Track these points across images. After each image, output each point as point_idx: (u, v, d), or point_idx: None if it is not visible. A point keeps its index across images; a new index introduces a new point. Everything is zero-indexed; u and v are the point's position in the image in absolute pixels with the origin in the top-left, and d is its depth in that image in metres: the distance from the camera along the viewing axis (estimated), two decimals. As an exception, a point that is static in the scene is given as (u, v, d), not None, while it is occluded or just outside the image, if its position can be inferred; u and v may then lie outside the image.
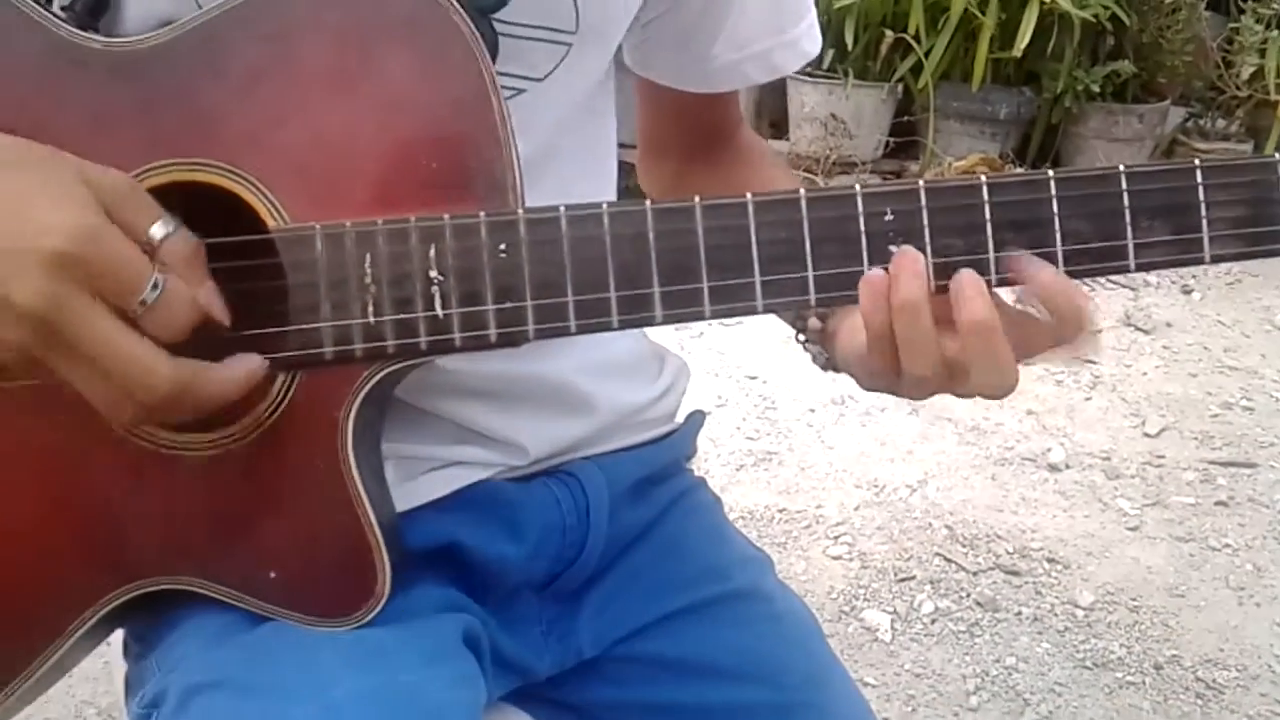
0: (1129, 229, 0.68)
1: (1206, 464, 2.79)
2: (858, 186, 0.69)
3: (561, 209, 0.68)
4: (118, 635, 0.88)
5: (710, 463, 2.71)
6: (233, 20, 0.70)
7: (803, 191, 0.69)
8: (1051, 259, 0.69)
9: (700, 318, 0.69)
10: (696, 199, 0.68)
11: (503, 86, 0.71)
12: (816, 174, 4.30)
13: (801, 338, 0.80)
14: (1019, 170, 4.30)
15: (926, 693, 2.06)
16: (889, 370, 0.71)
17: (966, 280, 0.68)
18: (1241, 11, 4.46)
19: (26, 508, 0.73)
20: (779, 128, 4.51)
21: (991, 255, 0.69)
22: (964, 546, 2.46)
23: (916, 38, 4.21)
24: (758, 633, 0.95)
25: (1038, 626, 2.22)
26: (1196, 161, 0.69)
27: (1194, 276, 3.80)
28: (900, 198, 0.69)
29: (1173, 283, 3.78)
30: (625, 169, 0.96)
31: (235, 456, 0.72)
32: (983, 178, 0.69)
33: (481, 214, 0.68)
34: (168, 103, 0.70)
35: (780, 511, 2.58)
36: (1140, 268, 0.69)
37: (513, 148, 0.70)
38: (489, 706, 0.90)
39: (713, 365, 3.13)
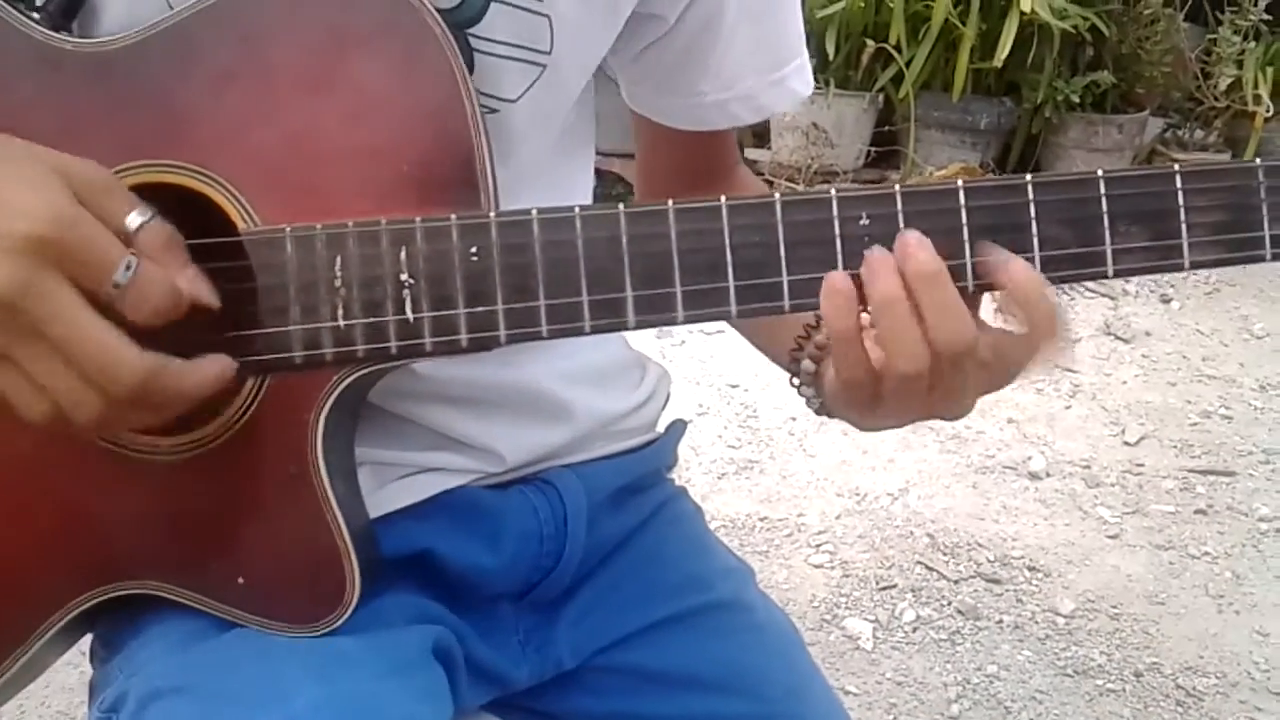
0: (1107, 234, 0.68)
1: (1186, 472, 2.79)
2: (833, 190, 0.68)
3: (534, 212, 0.68)
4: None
5: (692, 471, 2.71)
6: (204, 21, 0.70)
7: (778, 195, 0.68)
8: (1030, 265, 0.68)
9: (674, 322, 0.69)
10: (670, 202, 0.68)
11: None
12: (798, 183, 4.31)
13: (796, 382, 0.79)
14: (999, 179, 4.30)
15: (908, 701, 2.05)
16: (863, 381, 0.70)
17: (906, 234, 0.67)
18: (1219, 23, 4.49)
19: None
20: (761, 137, 4.52)
21: (969, 260, 0.68)
22: (945, 555, 2.46)
23: (898, 48, 4.22)
24: (739, 644, 0.95)
25: (1019, 634, 2.22)
26: (1176, 166, 0.68)
27: (1172, 285, 3.82)
28: (876, 202, 0.68)
29: (1152, 291, 3.79)
30: (605, 178, 0.95)
31: (204, 460, 0.71)
32: (959, 182, 0.68)
33: (453, 217, 0.68)
34: (138, 104, 0.70)
35: (762, 520, 2.57)
36: (1119, 273, 0.68)
37: (485, 150, 0.69)
38: (468, 716, 0.89)
39: (694, 374, 3.12)
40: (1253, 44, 4.44)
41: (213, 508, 0.73)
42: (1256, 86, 4.37)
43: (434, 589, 0.86)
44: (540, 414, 0.89)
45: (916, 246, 0.66)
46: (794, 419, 2.93)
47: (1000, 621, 2.26)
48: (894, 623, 2.25)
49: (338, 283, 0.68)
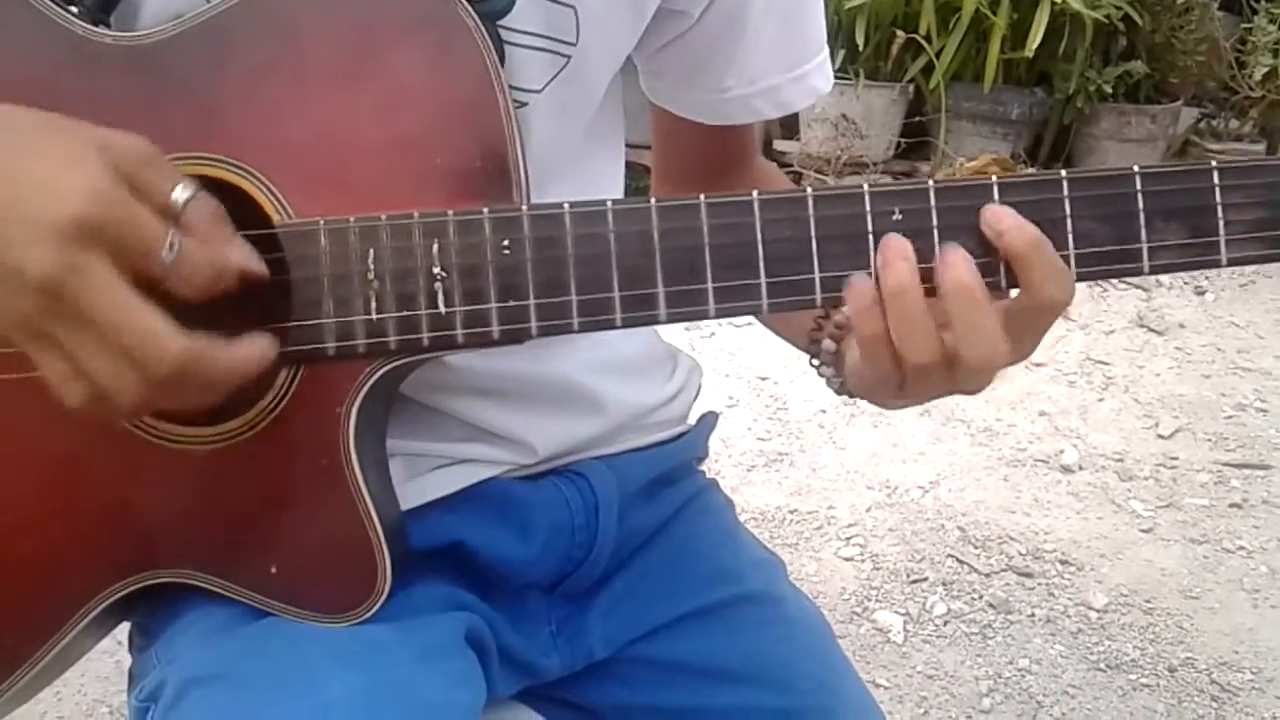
0: (1143, 230, 0.67)
1: (1220, 465, 2.77)
2: (865, 185, 0.67)
3: (566, 206, 0.68)
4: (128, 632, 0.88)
5: (721, 463, 2.71)
6: (239, 15, 0.70)
7: (809, 190, 0.68)
8: (1064, 261, 0.67)
9: (705, 316, 0.68)
10: (701, 196, 0.68)
11: None
12: (827, 174, 4.29)
13: (815, 362, 0.79)
14: (1030, 171, 4.28)
15: (939, 695, 2.05)
16: (888, 375, 0.69)
17: (950, 249, 0.66)
18: (1255, 11, 4.44)
19: (33, 500, 0.73)
20: (790, 129, 4.50)
21: (1002, 260, 0.67)
22: (976, 548, 2.45)
23: (928, 38, 4.20)
24: (769, 636, 0.95)
25: (1051, 628, 2.21)
26: (1213, 163, 0.67)
27: (1207, 277, 3.78)
28: (909, 197, 0.67)
29: (1186, 284, 3.76)
30: (635, 170, 0.95)
31: (238, 451, 0.71)
32: (994, 178, 0.68)
33: (485, 210, 0.68)
34: (174, 97, 0.70)
35: (792, 513, 2.57)
36: (1155, 270, 0.68)
37: (518, 143, 0.70)
38: (499, 704, 0.90)
39: (724, 366, 3.12)
40: (1289, 32, 4.40)
41: (246, 498, 0.73)
42: (1292, 75, 4.33)
43: (466, 579, 0.86)
44: (572, 406, 0.89)
45: (959, 261, 0.66)
46: (824, 411, 2.92)
47: (1032, 615, 2.25)
48: (925, 616, 2.24)
49: (370, 275, 0.68)
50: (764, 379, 3.08)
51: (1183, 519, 2.57)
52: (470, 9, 0.70)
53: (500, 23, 0.77)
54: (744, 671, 0.92)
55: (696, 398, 1.02)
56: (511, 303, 0.68)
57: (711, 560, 0.97)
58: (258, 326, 0.68)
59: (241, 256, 0.65)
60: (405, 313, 0.68)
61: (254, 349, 0.65)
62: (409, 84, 0.70)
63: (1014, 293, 0.69)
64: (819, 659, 0.96)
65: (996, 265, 0.67)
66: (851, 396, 0.79)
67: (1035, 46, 4.09)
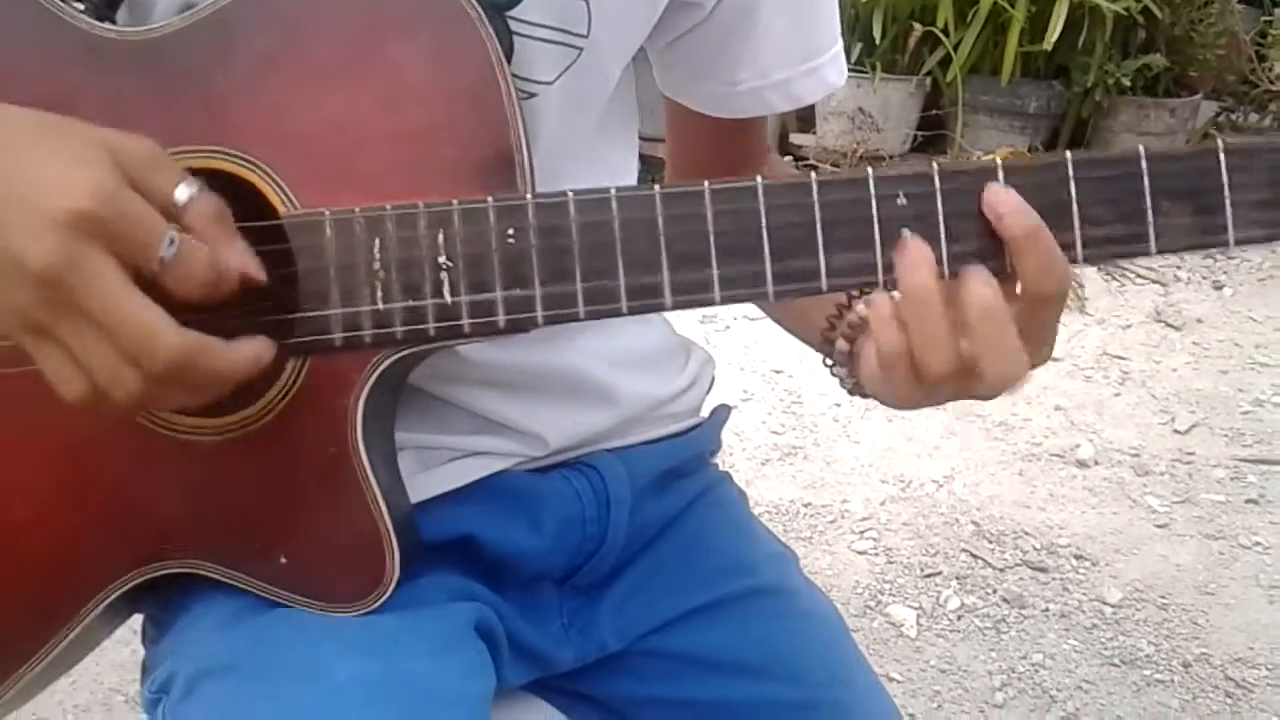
0: (1149, 211, 0.67)
1: (1237, 461, 2.76)
2: (870, 170, 0.67)
3: (570, 194, 0.67)
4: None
5: (735, 457, 2.70)
6: (245, 8, 0.70)
7: (814, 176, 0.67)
8: (1070, 243, 0.67)
9: (711, 303, 0.68)
10: (705, 183, 0.67)
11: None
12: (844, 167, 4.28)
13: (829, 362, 0.79)
14: (1046, 162, 4.26)
15: (952, 689, 2.04)
16: (906, 385, 0.69)
17: (974, 269, 0.66)
18: (1275, 5, 4.42)
19: (43, 491, 0.74)
20: (806, 122, 4.50)
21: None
22: (991, 543, 2.44)
23: (945, 31, 4.19)
24: (782, 629, 0.94)
25: (1065, 623, 2.21)
26: (1219, 142, 0.67)
27: (1225, 272, 3.76)
28: (914, 181, 0.67)
29: (1203, 279, 3.74)
30: (650, 163, 0.95)
31: (247, 442, 0.72)
32: (998, 161, 0.67)
33: (490, 199, 0.68)
34: (181, 90, 0.71)
35: (805, 506, 2.57)
36: (1161, 250, 0.67)
37: (522, 133, 0.70)
38: (511, 695, 0.90)
39: (738, 359, 3.12)
40: (1309, 26, 4.37)
41: (254, 488, 0.74)
42: (1313, 69, 4.30)
43: (476, 570, 0.86)
44: (583, 398, 0.89)
45: (980, 283, 0.66)
46: (838, 405, 2.92)
47: (1046, 610, 2.24)
48: (938, 610, 2.24)
49: (376, 265, 0.68)
50: (778, 372, 3.08)
51: (1198, 514, 2.56)
52: (474, 1, 0.69)
53: (510, 14, 0.77)
54: (757, 664, 0.92)
55: (710, 390, 1.01)
56: (517, 291, 0.68)
57: (724, 553, 0.97)
58: (264, 318, 0.69)
59: (241, 259, 0.65)
60: (411, 303, 0.68)
61: (251, 350, 0.65)
62: (413, 75, 0.70)
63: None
64: (832, 652, 0.95)
65: (999, 249, 0.67)
66: (865, 396, 0.79)
67: (1054, 39, 4.07)
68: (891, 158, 4.39)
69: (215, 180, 0.69)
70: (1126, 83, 4.24)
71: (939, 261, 0.66)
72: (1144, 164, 0.67)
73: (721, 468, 1.03)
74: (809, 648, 0.94)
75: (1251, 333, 3.43)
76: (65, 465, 0.74)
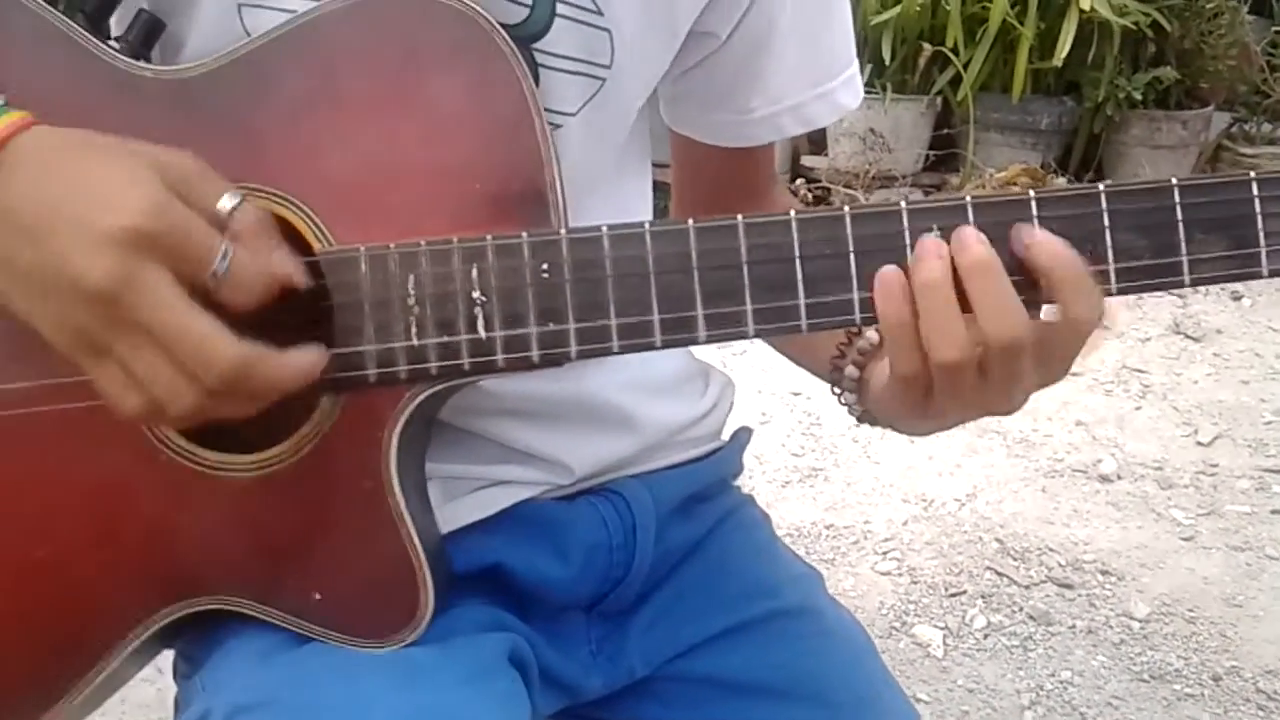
0: (1183, 243, 0.67)
1: (1261, 472, 2.74)
2: (903, 203, 0.67)
3: (604, 229, 0.68)
4: (171, 661, 0.89)
5: (756, 479, 2.70)
6: (277, 48, 0.71)
7: (847, 209, 0.68)
8: (1104, 275, 0.67)
9: (743, 337, 0.69)
10: (739, 217, 0.68)
11: None
12: (856, 189, 4.29)
13: (837, 390, 0.79)
14: (1061, 181, 4.27)
15: (981, 708, 2.03)
16: (915, 382, 0.69)
17: (961, 230, 0.66)
18: (1285, 14, 4.41)
19: (76, 529, 0.74)
20: (818, 143, 4.51)
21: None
22: (1015, 560, 2.43)
23: (955, 50, 4.20)
24: (808, 650, 0.94)
25: (1092, 639, 2.19)
26: (1252, 173, 0.67)
27: (1243, 283, 3.74)
28: (947, 213, 0.67)
29: (1222, 290, 3.73)
30: (659, 189, 0.96)
31: (280, 477, 0.72)
32: (1031, 193, 0.67)
33: (524, 234, 0.68)
34: (215, 129, 0.72)
35: (828, 528, 2.56)
36: (1196, 283, 0.67)
37: (555, 167, 0.70)
38: (539, 724, 0.90)
39: (757, 382, 3.12)
40: (1320, 35, 4.36)
41: (288, 524, 0.74)
42: (1325, 78, 4.29)
43: (505, 600, 0.86)
44: (606, 425, 0.89)
45: (972, 239, 0.66)
46: (858, 426, 2.91)
47: (1073, 627, 2.23)
48: (964, 630, 2.23)
49: (411, 301, 0.69)
50: (797, 394, 3.08)
51: (1224, 526, 2.54)
52: (506, 35, 0.70)
53: (535, 46, 0.78)
54: (783, 687, 0.92)
55: (730, 413, 1.02)
56: (551, 326, 0.68)
57: (749, 575, 0.97)
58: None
59: (288, 264, 0.67)
60: (446, 338, 0.69)
61: (307, 357, 0.66)
62: (447, 111, 0.71)
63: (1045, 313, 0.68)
64: (859, 672, 0.95)
65: (1034, 280, 0.67)
66: (874, 424, 0.79)
67: (1063, 55, 4.08)
68: (904, 178, 4.39)
69: None
70: (1138, 96, 4.24)
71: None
72: (1177, 194, 0.66)
73: (742, 489, 1.04)
74: (834, 668, 0.94)
75: (1272, 342, 3.41)
76: (96, 503, 0.74)
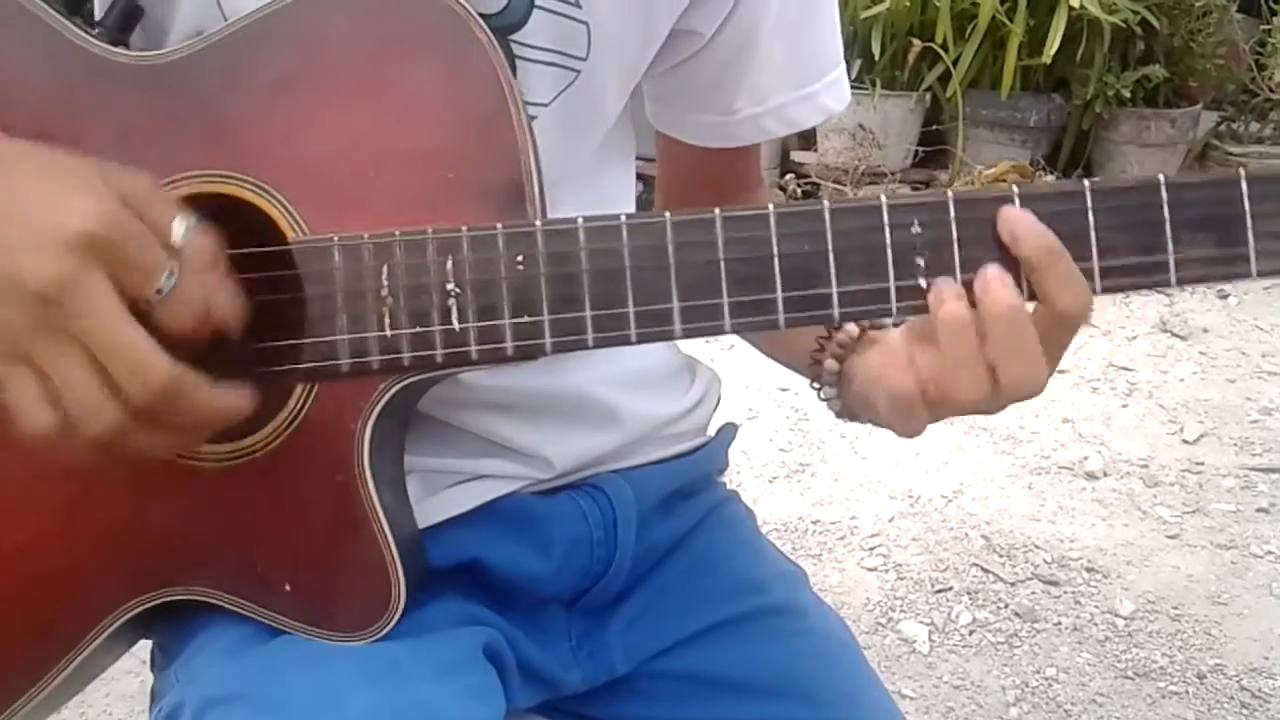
0: (1170, 242, 0.65)
1: (1246, 470, 2.75)
2: (884, 198, 0.66)
3: (580, 220, 0.67)
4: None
5: (743, 475, 2.70)
6: (254, 32, 0.71)
7: (826, 203, 0.67)
8: (1089, 273, 0.66)
9: (720, 332, 0.68)
10: (716, 211, 0.67)
11: None
12: (845, 184, 4.29)
13: (816, 385, 0.78)
14: (1050, 178, 4.27)
15: (966, 705, 2.03)
16: (923, 411, 0.69)
17: (989, 269, 0.66)
18: (1274, 14, 4.42)
19: (45, 518, 0.74)
20: (807, 139, 4.50)
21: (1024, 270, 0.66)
22: (1001, 557, 2.43)
23: (944, 46, 4.20)
24: (793, 648, 0.94)
25: (1078, 637, 2.19)
26: (1242, 172, 0.65)
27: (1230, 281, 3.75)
28: (928, 209, 0.66)
29: (1208, 288, 3.73)
30: (645, 181, 0.95)
31: (252, 468, 0.71)
32: (1015, 189, 0.66)
33: (499, 225, 0.68)
34: (191, 115, 0.71)
35: (814, 523, 2.56)
36: (1182, 282, 0.66)
37: (532, 159, 0.70)
38: (520, 718, 0.89)
39: (744, 378, 3.11)
40: (1308, 34, 4.37)
41: (260, 514, 0.73)
42: (1313, 77, 4.30)
43: (484, 595, 0.86)
44: (589, 419, 0.89)
45: (997, 282, 0.65)
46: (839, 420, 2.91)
47: (1059, 624, 2.23)
48: (950, 626, 2.23)
49: (384, 291, 0.68)
50: (784, 390, 3.08)
51: (1209, 524, 2.55)
52: (484, 25, 0.70)
53: (512, 37, 0.77)
54: (767, 684, 0.92)
55: (716, 409, 1.01)
56: (525, 318, 0.68)
57: (733, 572, 0.96)
58: (271, 343, 0.69)
59: (229, 305, 0.65)
60: (419, 329, 0.68)
61: (233, 396, 0.64)
62: (423, 100, 0.70)
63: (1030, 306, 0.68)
64: (843, 670, 0.95)
65: (1016, 277, 0.66)
66: (852, 419, 0.78)
67: (1053, 52, 4.08)
68: (893, 173, 4.39)
69: (225, 205, 0.69)
70: (1126, 94, 4.25)
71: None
72: (1164, 193, 0.65)
73: (729, 486, 1.03)
74: (819, 666, 0.94)
75: (1258, 341, 3.42)
76: (67, 490, 0.73)
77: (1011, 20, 4.11)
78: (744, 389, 3.07)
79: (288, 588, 0.74)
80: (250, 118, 0.70)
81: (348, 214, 0.69)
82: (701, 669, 0.92)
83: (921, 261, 0.66)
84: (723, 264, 0.67)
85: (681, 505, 0.96)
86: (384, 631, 0.74)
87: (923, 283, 0.66)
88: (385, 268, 0.68)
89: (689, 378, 1.00)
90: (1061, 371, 3.26)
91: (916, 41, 4.24)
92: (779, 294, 0.67)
